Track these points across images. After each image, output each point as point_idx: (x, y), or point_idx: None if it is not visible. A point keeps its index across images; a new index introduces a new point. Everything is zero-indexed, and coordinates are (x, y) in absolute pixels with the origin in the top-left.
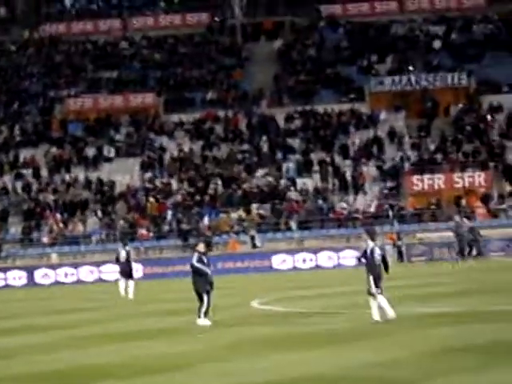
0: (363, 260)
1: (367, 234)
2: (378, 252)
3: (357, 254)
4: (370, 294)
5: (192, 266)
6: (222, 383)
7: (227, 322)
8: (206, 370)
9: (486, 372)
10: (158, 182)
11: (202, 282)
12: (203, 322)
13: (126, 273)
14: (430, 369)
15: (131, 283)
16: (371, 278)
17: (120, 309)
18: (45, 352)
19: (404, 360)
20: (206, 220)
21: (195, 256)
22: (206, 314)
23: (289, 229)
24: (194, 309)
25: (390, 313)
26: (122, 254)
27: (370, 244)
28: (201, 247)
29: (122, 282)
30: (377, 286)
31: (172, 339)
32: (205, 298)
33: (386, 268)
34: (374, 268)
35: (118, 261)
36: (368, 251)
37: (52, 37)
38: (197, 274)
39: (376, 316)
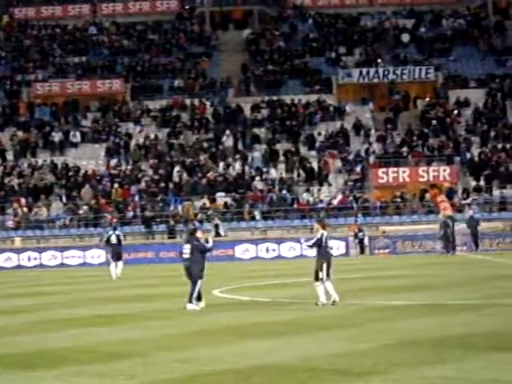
0: (315, 248)
1: (319, 223)
2: (328, 239)
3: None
4: (318, 279)
5: (208, 249)
6: (182, 371)
7: (189, 310)
8: (167, 357)
9: (443, 365)
10: (123, 169)
11: (199, 268)
12: (193, 306)
13: (117, 255)
14: (390, 361)
15: (120, 264)
16: (324, 264)
17: (82, 294)
18: (4, 335)
19: (364, 351)
20: (179, 207)
21: (200, 241)
22: (198, 298)
23: (253, 218)
24: (159, 295)
25: (335, 297)
26: (113, 238)
27: (324, 233)
28: (199, 234)
29: (112, 265)
30: (328, 272)
31: (134, 325)
32: (199, 283)
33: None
34: (327, 255)
35: (108, 243)
36: (323, 239)
37: (21, 21)
38: (196, 259)
39: (323, 299)
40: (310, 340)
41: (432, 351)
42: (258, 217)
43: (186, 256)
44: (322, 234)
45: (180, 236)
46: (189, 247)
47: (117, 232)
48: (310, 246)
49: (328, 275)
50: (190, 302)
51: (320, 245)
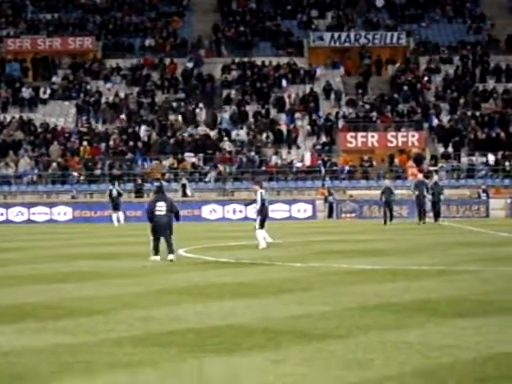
0: (253, 204)
1: (256, 183)
2: (265, 197)
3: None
4: (263, 228)
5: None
6: (144, 329)
7: (153, 269)
8: (130, 315)
9: (405, 330)
10: (92, 126)
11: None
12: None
13: (117, 206)
14: (352, 324)
15: (121, 213)
16: (260, 217)
17: (49, 250)
18: None
19: (327, 314)
20: (147, 166)
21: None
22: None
23: (216, 180)
24: (124, 253)
25: (268, 240)
26: (114, 192)
27: (260, 190)
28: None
29: (114, 215)
30: (263, 222)
31: (98, 283)
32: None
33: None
34: (262, 208)
35: (110, 197)
36: (258, 197)
37: None
38: (170, 216)
39: (263, 244)
40: (271, 302)
41: (394, 316)
42: (211, 179)
43: (163, 213)
44: (257, 192)
45: (147, 195)
46: (164, 204)
47: (116, 186)
48: (246, 205)
49: (263, 226)
50: (171, 252)
51: (256, 201)
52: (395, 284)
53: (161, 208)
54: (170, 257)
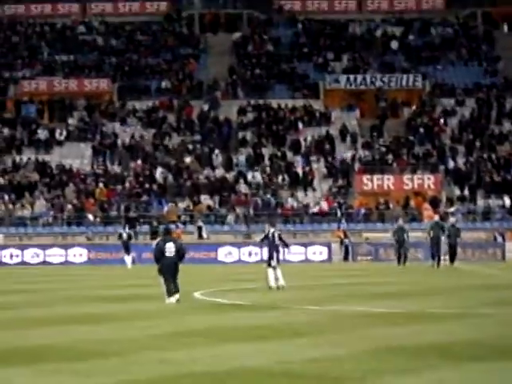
0: (265, 241)
1: (269, 223)
2: (276, 234)
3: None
4: (270, 265)
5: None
6: (160, 371)
7: (169, 311)
8: (145, 358)
9: (420, 373)
10: (108, 168)
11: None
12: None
13: (128, 249)
14: (367, 368)
15: (130, 256)
16: (274, 253)
17: (64, 292)
18: None
19: (342, 357)
20: (165, 208)
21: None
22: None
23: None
24: (139, 295)
25: (282, 282)
26: (124, 235)
27: (271, 229)
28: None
29: (127, 258)
30: (277, 259)
31: (114, 325)
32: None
33: (286, 245)
34: (273, 246)
35: (121, 240)
36: (269, 235)
37: (10, 17)
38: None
39: (272, 283)
40: (287, 344)
41: (410, 359)
42: (230, 220)
43: (172, 254)
44: (269, 231)
45: None
46: (173, 246)
47: (127, 230)
48: (261, 241)
49: (278, 261)
50: (177, 292)
51: (267, 238)
52: (410, 327)
53: (170, 249)
54: (177, 296)
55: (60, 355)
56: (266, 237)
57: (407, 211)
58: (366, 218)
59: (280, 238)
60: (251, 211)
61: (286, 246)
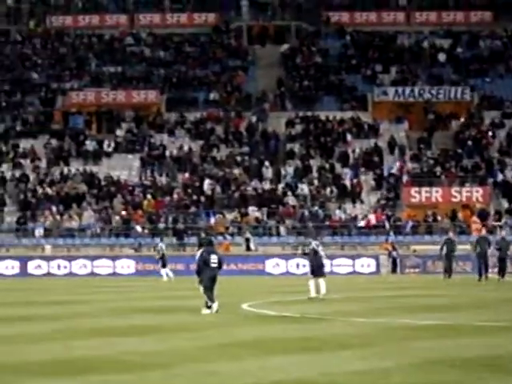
0: (307, 254)
1: (310, 235)
2: (317, 247)
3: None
4: (317, 274)
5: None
6: (206, 383)
7: (217, 323)
8: (191, 370)
9: None
10: (156, 180)
11: None
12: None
13: (164, 263)
14: (415, 380)
15: (167, 269)
16: (315, 265)
17: (111, 304)
18: (32, 342)
19: (389, 370)
20: (212, 219)
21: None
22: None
23: (278, 234)
24: (186, 307)
25: (323, 291)
26: (163, 248)
27: (312, 242)
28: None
29: (163, 271)
30: (320, 271)
31: (160, 337)
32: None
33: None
34: (314, 258)
35: (158, 252)
36: (310, 247)
37: (58, 29)
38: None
39: (312, 294)
40: (333, 356)
41: (457, 372)
42: (283, 232)
43: (215, 265)
44: (311, 244)
45: None
46: (216, 257)
47: (163, 243)
48: (303, 254)
49: (321, 272)
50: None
51: (309, 252)
52: (458, 340)
53: (214, 260)
54: (216, 306)
55: (106, 367)
56: (309, 249)
57: (455, 224)
58: (413, 231)
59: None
60: (298, 223)
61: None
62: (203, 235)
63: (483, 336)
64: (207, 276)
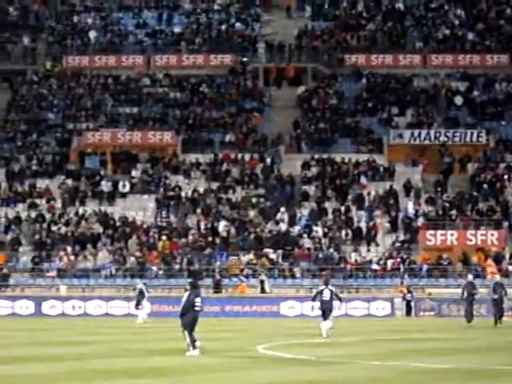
0: (318, 298)
1: (324, 279)
2: (326, 292)
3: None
4: (325, 318)
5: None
6: None
7: (232, 365)
8: None
9: None
10: (171, 221)
11: None
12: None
13: (138, 303)
14: None
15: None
16: (325, 309)
17: (126, 345)
18: (47, 383)
19: None
20: (226, 261)
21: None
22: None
23: (293, 276)
24: (202, 349)
25: (324, 334)
26: (143, 288)
27: (322, 287)
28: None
29: (139, 312)
30: (328, 315)
31: (175, 379)
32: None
33: (340, 299)
34: (323, 303)
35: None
36: (322, 292)
37: (74, 69)
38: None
39: (325, 335)
40: None
41: None
42: (298, 274)
43: (199, 308)
44: (320, 288)
45: (226, 290)
46: (199, 300)
47: (141, 284)
48: (313, 299)
49: (329, 316)
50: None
51: (318, 296)
52: (474, 383)
53: (198, 303)
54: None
55: None
56: (319, 294)
57: (470, 267)
58: (429, 274)
59: (335, 294)
60: (313, 265)
61: (340, 300)
62: (218, 277)
63: (496, 380)
64: (193, 319)
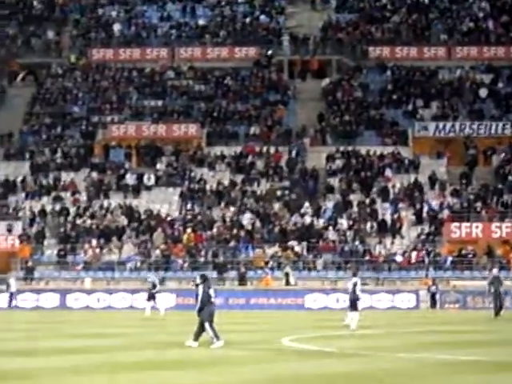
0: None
1: (353, 271)
2: (356, 284)
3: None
4: (354, 309)
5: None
6: None
7: (257, 357)
8: None
9: None
10: (196, 214)
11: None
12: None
13: (151, 296)
14: None
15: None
16: (354, 299)
17: (151, 337)
18: (76, 375)
19: None
20: (251, 254)
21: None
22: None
23: (314, 268)
24: (227, 341)
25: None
26: (154, 281)
27: (353, 279)
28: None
29: (148, 304)
30: (355, 306)
31: (201, 371)
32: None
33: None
34: (351, 294)
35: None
36: (351, 284)
37: (99, 62)
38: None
39: (353, 326)
40: None
41: None
42: (319, 266)
43: (214, 300)
44: (351, 280)
45: (251, 283)
46: (213, 291)
47: (153, 276)
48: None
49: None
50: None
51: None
52: (498, 375)
53: (213, 295)
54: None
55: None
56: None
57: (494, 260)
58: (453, 266)
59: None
60: (338, 258)
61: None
62: (243, 269)
63: None
64: (210, 311)
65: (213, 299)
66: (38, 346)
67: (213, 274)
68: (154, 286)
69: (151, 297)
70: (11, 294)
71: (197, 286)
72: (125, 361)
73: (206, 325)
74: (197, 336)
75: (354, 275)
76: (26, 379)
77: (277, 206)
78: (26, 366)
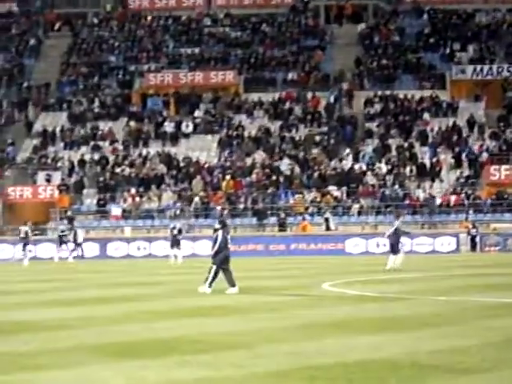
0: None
1: (396, 215)
2: (399, 226)
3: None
4: (394, 251)
5: None
6: (288, 363)
7: (298, 303)
8: (274, 350)
9: None
10: (234, 160)
11: None
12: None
13: (178, 243)
14: (496, 358)
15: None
16: (395, 241)
17: (192, 285)
18: (111, 324)
19: (470, 349)
20: (290, 199)
21: None
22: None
23: (359, 213)
24: (266, 287)
25: (398, 265)
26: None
27: (396, 222)
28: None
29: (172, 252)
30: (398, 248)
31: (240, 317)
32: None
33: (407, 233)
34: (393, 236)
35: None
36: (394, 227)
37: (135, 11)
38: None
39: (388, 267)
40: (415, 336)
41: None
42: (354, 212)
43: (230, 245)
44: (394, 224)
45: (290, 229)
46: (229, 237)
47: (178, 224)
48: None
49: (398, 248)
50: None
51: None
52: None
53: (230, 240)
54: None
55: (187, 347)
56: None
57: None
58: (493, 209)
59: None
60: (378, 202)
61: (407, 233)
62: (283, 215)
63: None
64: (223, 256)
65: (229, 245)
66: (80, 296)
67: (252, 221)
68: (180, 233)
69: (176, 243)
70: (79, 245)
71: (216, 230)
72: (164, 309)
73: (214, 268)
74: (230, 282)
75: (397, 218)
76: (65, 329)
77: (315, 151)
78: (65, 316)
